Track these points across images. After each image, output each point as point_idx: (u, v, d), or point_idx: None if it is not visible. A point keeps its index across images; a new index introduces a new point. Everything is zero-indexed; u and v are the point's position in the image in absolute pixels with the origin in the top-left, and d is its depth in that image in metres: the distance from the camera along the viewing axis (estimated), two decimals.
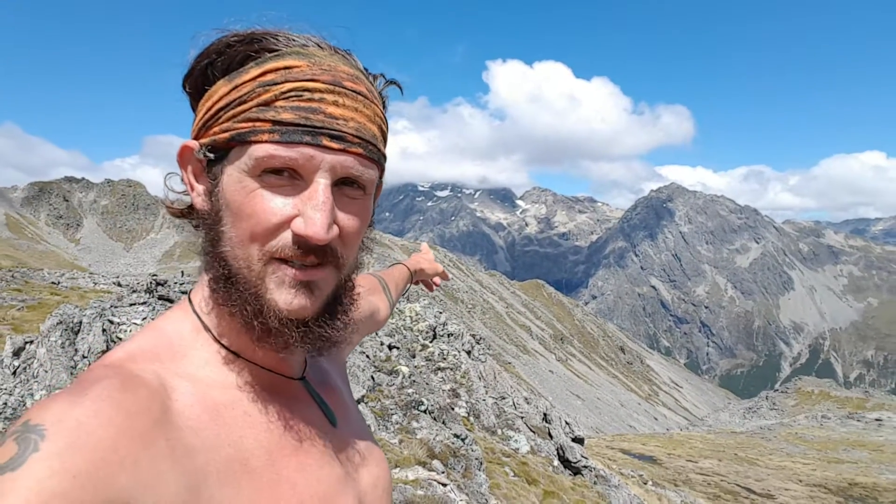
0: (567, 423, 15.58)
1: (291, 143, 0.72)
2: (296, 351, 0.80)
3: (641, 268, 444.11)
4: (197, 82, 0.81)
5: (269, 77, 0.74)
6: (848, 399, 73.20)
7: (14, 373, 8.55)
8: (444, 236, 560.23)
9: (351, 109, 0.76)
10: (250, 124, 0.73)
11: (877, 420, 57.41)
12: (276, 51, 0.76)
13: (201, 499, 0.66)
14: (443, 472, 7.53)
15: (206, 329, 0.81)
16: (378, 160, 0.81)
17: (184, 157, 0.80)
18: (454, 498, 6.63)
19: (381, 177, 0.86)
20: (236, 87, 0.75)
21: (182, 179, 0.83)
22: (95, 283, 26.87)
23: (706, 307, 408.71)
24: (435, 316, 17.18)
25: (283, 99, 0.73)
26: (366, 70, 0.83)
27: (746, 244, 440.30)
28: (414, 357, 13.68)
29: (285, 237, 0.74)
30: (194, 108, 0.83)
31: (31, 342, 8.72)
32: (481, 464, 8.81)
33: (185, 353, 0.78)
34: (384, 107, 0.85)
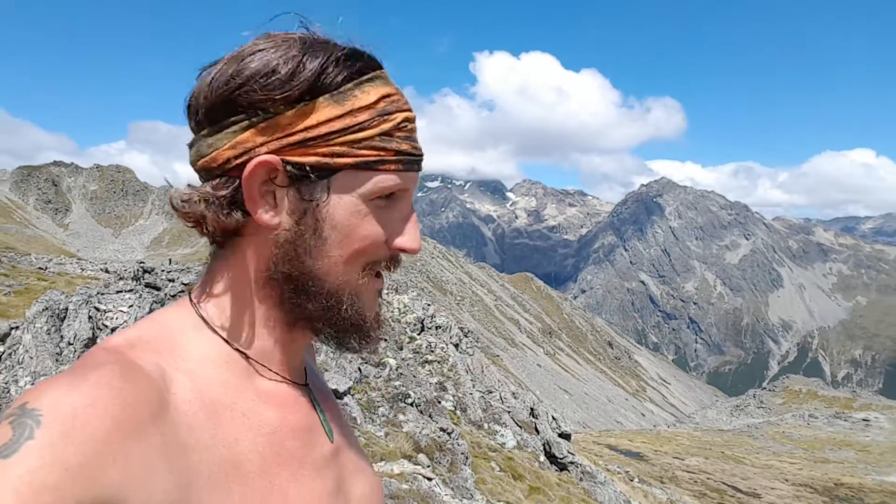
0: (554, 418, 15.59)
1: (406, 171, 0.78)
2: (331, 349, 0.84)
3: (631, 262, 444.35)
4: (294, 95, 0.74)
5: (381, 105, 0.77)
6: (835, 398, 73.71)
7: None
8: (433, 227, 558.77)
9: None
10: (376, 153, 0.76)
11: (864, 420, 57.91)
12: (366, 73, 0.78)
13: (191, 500, 0.65)
14: (428, 466, 7.50)
15: (209, 326, 0.80)
16: None
17: (258, 173, 0.75)
18: (439, 492, 6.60)
19: None
20: (350, 112, 0.75)
21: (238, 193, 0.76)
22: (83, 270, 26.66)
23: (695, 303, 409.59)
24: (423, 308, 17.14)
25: (399, 130, 0.78)
26: None
27: (736, 240, 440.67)
28: (401, 349, 13.65)
29: (384, 252, 0.81)
30: (220, 116, 0.76)
31: (17, 328, 8.62)
32: (467, 458, 8.79)
33: (185, 347, 0.77)
34: None
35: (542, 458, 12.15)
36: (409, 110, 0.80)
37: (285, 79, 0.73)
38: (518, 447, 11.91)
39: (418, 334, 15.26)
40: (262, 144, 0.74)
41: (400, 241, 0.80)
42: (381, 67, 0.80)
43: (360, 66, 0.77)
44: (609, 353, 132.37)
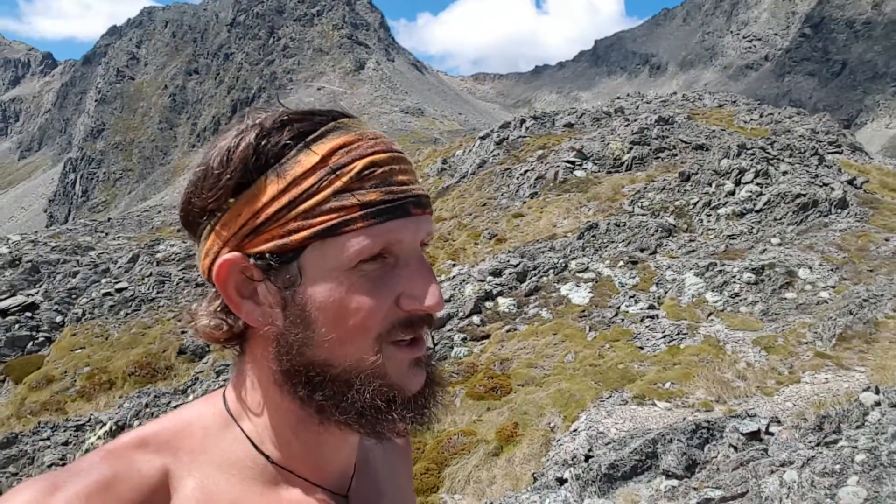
0: None
1: (385, 222, 0.68)
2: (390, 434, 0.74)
3: None
4: (232, 183, 0.69)
5: (333, 161, 0.67)
6: None
7: None
8: None
9: (410, 172, 0.73)
10: (335, 216, 0.67)
11: None
12: (313, 132, 0.69)
13: None
14: None
15: (238, 425, 0.75)
16: None
17: (228, 273, 0.70)
18: None
19: None
20: (293, 181, 0.67)
21: (209, 301, 0.76)
22: None
23: None
24: None
25: (359, 180, 0.67)
26: None
27: None
28: None
29: (396, 318, 0.70)
30: (195, 228, 0.73)
31: None
32: None
33: (207, 446, 0.73)
34: None
35: None
36: (379, 153, 0.69)
37: (219, 170, 0.68)
38: None
39: None
40: (224, 245, 0.70)
41: (411, 302, 0.70)
42: (338, 118, 0.71)
43: (304, 126, 0.69)
44: None
